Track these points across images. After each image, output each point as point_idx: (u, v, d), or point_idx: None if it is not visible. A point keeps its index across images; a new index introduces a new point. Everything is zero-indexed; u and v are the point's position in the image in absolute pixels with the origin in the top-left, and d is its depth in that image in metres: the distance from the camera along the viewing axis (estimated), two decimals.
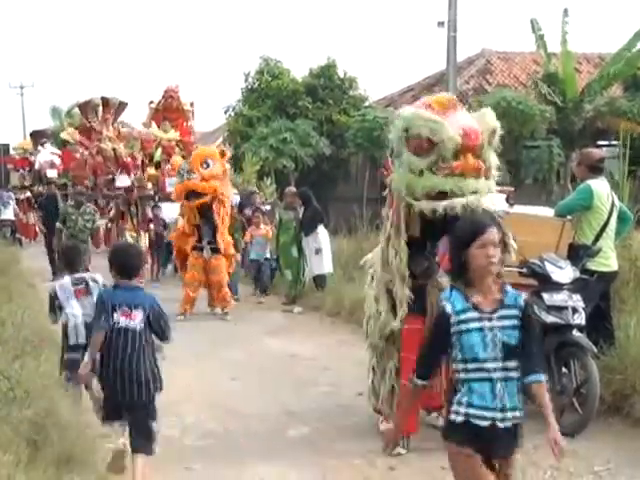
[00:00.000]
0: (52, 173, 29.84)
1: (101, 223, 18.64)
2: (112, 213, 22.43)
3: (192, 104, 26.31)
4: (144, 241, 19.49)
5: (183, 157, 24.49)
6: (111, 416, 6.52)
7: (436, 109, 7.32)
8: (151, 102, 25.95)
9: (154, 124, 25.97)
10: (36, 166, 32.93)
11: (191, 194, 14.83)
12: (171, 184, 23.81)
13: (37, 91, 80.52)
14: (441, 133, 7.11)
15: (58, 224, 17.63)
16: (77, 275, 7.99)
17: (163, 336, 7.16)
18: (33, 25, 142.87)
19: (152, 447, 6.50)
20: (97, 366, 6.52)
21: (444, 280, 7.61)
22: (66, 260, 8.38)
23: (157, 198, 23.67)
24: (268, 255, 17.32)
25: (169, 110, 25.65)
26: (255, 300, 16.87)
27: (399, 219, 7.55)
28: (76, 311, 7.68)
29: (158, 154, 25.13)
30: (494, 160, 7.49)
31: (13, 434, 6.58)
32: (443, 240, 7.58)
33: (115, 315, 6.48)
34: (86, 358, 6.60)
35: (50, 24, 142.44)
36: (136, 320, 6.63)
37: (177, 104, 25.75)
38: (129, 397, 6.40)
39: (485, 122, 7.43)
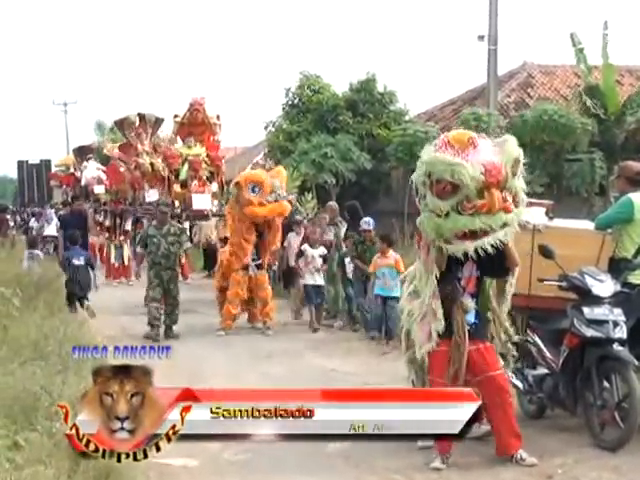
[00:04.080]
0: (99, 189, 29.63)
1: (189, 246, 16.02)
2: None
3: (219, 117, 25.79)
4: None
5: (211, 173, 24.45)
6: (71, 306, 14.78)
7: (456, 147, 7.23)
8: (176, 116, 25.36)
9: (179, 139, 25.77)
10: (83, 182, 32.91)
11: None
12: (200, 200, 23.71)
13: (80, 108, 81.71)
14: (463, 175, 7.06)
15: (139, 249, 15.20)
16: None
17: (93, 266, 16.19)
18: (76, 43, 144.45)
19: (88, 296, 15.55)
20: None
21: (469, 302, 7.66)
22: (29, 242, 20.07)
23: (184, 217, 23.60)
24: (397, 293, 12.68)
25: (194, 124, 25.10)
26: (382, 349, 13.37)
27: (428, 259, 7.58)
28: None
29: (184, 171, 24.73)
30: (520, 185, 7.43)
31: (54, 448, 6.65)
32: (467, 264, 7.64)
33: (73, 260, 15.56)
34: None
35: (93, 41, 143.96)
36: (81, 261, 15.57)
37: (203, 117, 25.10)
38: (80, 291, 15.39)
39: (507, 152, 7.32)
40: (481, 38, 26.00)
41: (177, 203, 24.27)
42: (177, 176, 24.82)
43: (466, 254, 7.45)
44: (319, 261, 15.33)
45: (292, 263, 17.32)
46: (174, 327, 14.68)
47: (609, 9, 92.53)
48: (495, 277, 7.86)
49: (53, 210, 34.10)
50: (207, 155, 24.60)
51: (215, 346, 13.67)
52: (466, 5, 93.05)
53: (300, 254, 15.57)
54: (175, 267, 14.74)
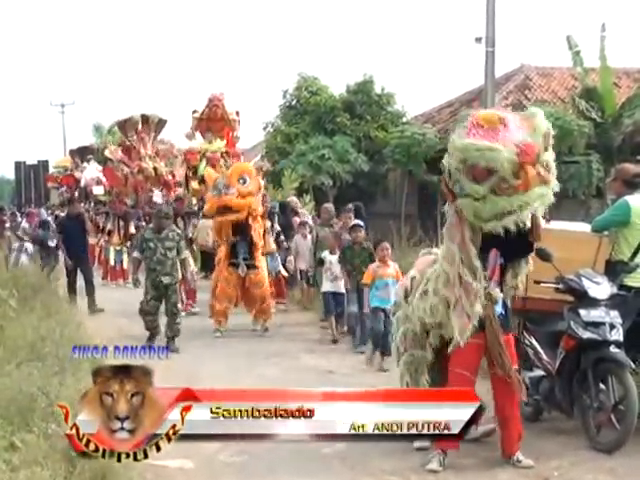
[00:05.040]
0: (98, 190, 29.39)
1: (187, 255, 14.57)
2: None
3: (238, 113, 25.47)
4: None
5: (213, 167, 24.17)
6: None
7: (485, 127, 7.21)
8: (194, 111, 24.96)
9: (198, 135, 25.44)
10: (82, 183, 32.84)
11: (225, 209, 14.85)
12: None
13: (78, 109, 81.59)
14: (497, 160, 7.01)
15: (136, 254, 13.95)
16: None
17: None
18: (73, 44, 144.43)
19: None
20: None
21: (497, 293, 7.61)
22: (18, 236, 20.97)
23: (201, 214, 23.31)
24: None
25: (214, 120, 24.67)
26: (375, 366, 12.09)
27: (464, 241, 7.46)
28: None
29: (202, 167, 24.39)
30: (551, 160, 7.33)
31: (51, 449, 6.65)
32: (492, 253, 7.56)
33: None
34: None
35: (90, 42, 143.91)
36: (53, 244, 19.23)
37: (222, 113, 24.75)
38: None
39: (537, 127, 7.27)
40: (478, 40, 25.97)
41: (194, 200, 24.06)
42: (195, 172, 24.57)
43: (491, 242, 7.43)
44: (338, 268, 14.04)
45: (302, 267, 17.07)
46: (176, 340, 13.49)
47: (606, 11, 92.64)
48: (519, 258, 7.75)
49: (49, 211, 34.06)
50: (226, 152, 24.30)
51: (212, 347, 13.64)
52: (463, 7, 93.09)
53: (320, 262, 14.71)
54: (174, 273, 13.62)
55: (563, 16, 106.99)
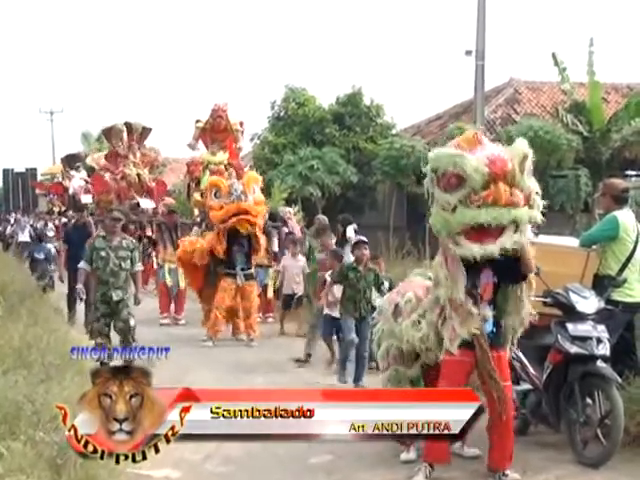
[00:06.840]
0: (87, 199, 29.16)
1: (140, 268, 12.97)
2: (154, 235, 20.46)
3: (242, 124, 25.41)
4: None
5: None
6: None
7: (464, 147, 7.28)
8: (198, 121, 24.71)
9: (202, 145, 25.31)
10: (70, 191, 32.74)
11: (242, 215, 14.90)
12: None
13: (67, 116, 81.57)
14: (465, 165, 7.04)
15: (83, 264, 12.37)
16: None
17: (50, 261, 21.54)
18: (63, 51, 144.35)
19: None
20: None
21: (486, 311, 7.56)
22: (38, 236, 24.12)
23: (204, 226, 23.09)
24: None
25: (217, 130, 24.54)
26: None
27: (453, 262, 7.42)
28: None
29: (206, 179, 24.22)
30: (534, 186, 7.32)
31: (36, 457, 6.61)
32: (485, 271, 7.48)
33: (35, 254, 21.89)
34: None
35: (80, 50, 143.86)
36: (42, 255, 21.57)
37: (226, 124, 24.72)
38: (39, 279, 18.37)
39: (515, 149, 7.30)
40: (468, 53, 26.10)
41: (196, 212, 24.00)
42: (198, 184, 24.49)
43: (484, 260, 7.33)
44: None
45: (289, 291, 16.28)
46: None
47: (595, 26, 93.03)
48: (513, 283, 7.63)
49: (25, 218, 34.24)
50: (228, 163, 24.20)
51: (197, 358, 13.57)
52: (454, 20, 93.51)
53: (323, 284, 13.01)
54: (127, 287, 12.29)
55: (553, 30, 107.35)
